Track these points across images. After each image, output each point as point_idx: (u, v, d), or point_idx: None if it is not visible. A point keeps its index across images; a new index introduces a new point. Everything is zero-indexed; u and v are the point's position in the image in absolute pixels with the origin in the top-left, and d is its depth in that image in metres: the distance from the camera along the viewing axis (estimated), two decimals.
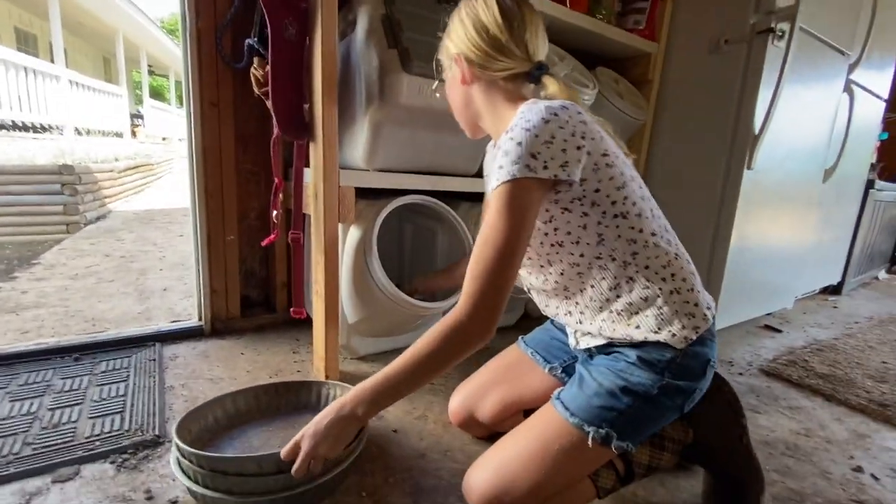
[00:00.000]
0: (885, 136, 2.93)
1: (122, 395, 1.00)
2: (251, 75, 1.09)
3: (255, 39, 1.11)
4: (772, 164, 1.52)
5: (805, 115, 1.61)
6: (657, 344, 0.67)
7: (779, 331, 1.81)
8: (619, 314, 0.69)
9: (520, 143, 0.60)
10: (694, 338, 0.66)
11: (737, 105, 1.43)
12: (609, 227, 0.66)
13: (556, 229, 0.68)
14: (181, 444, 0.69)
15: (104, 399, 0.98)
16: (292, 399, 0.96)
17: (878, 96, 2.19)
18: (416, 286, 1.18)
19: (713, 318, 0.69)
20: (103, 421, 0.91)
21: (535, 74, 0.72)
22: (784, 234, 1.75)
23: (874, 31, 1.90)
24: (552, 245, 0.69)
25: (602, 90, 1.41)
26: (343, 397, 0.67)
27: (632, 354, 0.68)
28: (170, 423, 0.92)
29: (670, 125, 1.62)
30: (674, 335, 0.66)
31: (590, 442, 0.64)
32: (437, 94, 0.85)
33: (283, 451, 0.65)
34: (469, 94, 0.77)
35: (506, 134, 0.63)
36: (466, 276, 0.62)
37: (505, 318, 1.60)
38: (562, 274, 0.71)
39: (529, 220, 0.62)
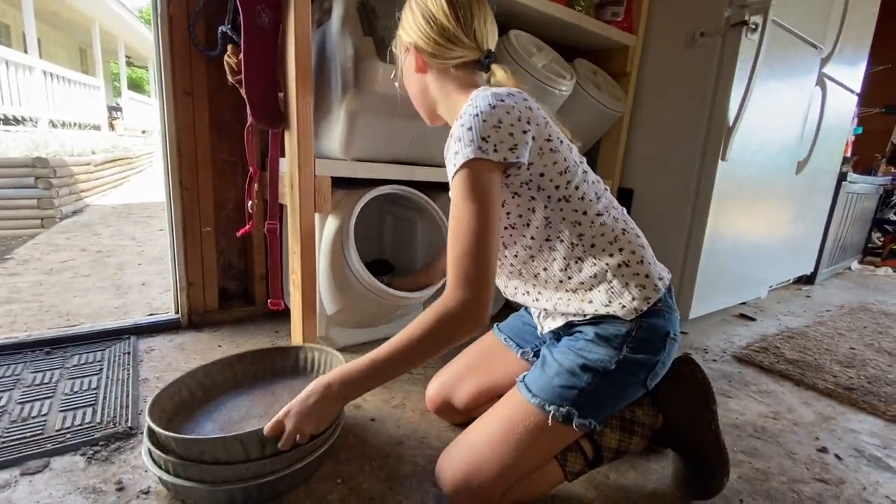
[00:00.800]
0: (860, 130, 3.02)
1: (95, 389, 0.99)
2: (224, 63, 1.07)
3: (229, 27, 1.09)
4: (745, 156, 1.55)
5: (778, 108, 1.64)
6: (611, 318, 0.69)
7: (753, 319, 1.85)
8: (573, 292, 0.71)
9: (470, 129, 0.62)
10: (644, 308, 0.68)
11: (711, 97, 1.46)
12: (554, 211, 0.69)
13: (507, 213, 0.70)
14: (157, 429, 0.68)
15: (76, 392, 0.97)
16: (268, 365, 0.96)
17: (850, 90, 2.24)
18: (396, 286, 1.18)
19: (665, 288, 0.71)
20: (74, 414, 0.89)
21: (484, 63, 0.74)
22: (758, 225, 1.79)
23: (846, 25, 1.94)
24: (505, 228, 0.72)
25: (580, 81, 1.42)
26: (329, 376, 0.67)
27: (590, 332, 0.70)
28: (143, 415, 0.91)
29: (648, 117, 1.64)
30: (623, 307, 0.68)
31: (549, 420, 0.66)
32: (396, 84, 0.86)
33: (267, 428, 0.66)
34: (423, 83, 0.79)
35: (457, 121, 0.66)
36: (448, 263, 0.63)
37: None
38: (516, 256, 0.74)
39: (494, 199, 0.63)
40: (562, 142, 0.70)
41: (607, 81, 1.58)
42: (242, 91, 1.02)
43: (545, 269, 0.73)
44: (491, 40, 0.76)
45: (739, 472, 0.88)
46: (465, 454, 0.69)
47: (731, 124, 1.43)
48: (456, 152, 0.63)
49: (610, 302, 0.69)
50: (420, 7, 0.74)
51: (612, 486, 0.81)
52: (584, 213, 0.70)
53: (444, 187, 1.40)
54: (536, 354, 0.85)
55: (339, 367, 0.68)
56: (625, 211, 0.77)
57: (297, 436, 0.66)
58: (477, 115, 0.63)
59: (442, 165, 1.28)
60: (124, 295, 1.71)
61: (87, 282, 1.88)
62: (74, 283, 1.85)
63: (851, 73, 2.20)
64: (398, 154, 1.20)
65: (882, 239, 3.40)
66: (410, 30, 0.75)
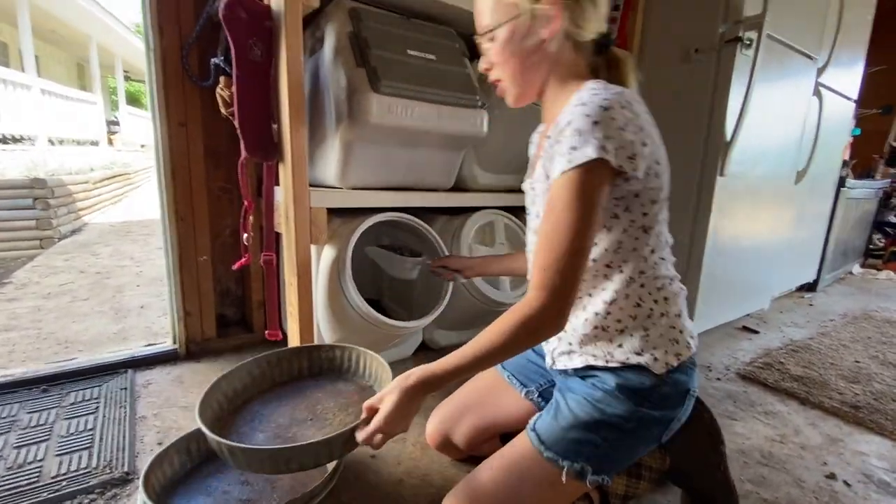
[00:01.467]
0: (858, 131, 3.00)
1: (91, 429, 0.97)
2: (217, 95, 1.07)
3: (222, 58, 1.09)
4: (744, 169, 1.54)
5: (775, 119, 1.64)
6: (637, 368, 0.66)
7: (756, 332, 1.84)
8: (604, 330, 0.67)
9: (597, 123, 0.55)
10: (675, 364, 0.65)
11: (708, 112, 1.45)
12: (629, 238, 0.64)
13: None
14: (246, 446, 0.64)
15: (72, 434, 0.96)
16: (286, 368, 0.92)
17: (846, 97, 2.23)
18: (452, 265, 1.09)
19: (696, 347, 0.69)
20: (70, 458, 0.88)
21: (605, 42, 0.67)
22: (759, 235, 1.78)
23: (841, 33, 1.94)
24: None
25: None
26: (408, 377, 0.62)
27: (611, 381, 0.66)
28: (140, 458, 0.90)
29: None
30: (655, 359, 0.65)
31: (564, 477, 0.63)
32: (481, 65, 0.73)
33: (363, 435, 0.61)
34: (545, 54, 0.66)
35: (580, 107, 0.57)
36: (534, 266, 0.59)
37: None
38: None
39: (600, 206, 0.58)
40: (666, 169, 0.65)
41: None
42: (236, 123, 1.02)
43: (590, 296, 0.68)
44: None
45: (748, 503, 0.86)
46: (470, 501, 0.66)
47: (728, 139, 1.42)
48: (573, 147, 0.56)
49: (642, 351, 0.65)
50: None
51: None
52: (653, 251, 0.65)
53: (441, 211, 1.39)
54: (541, 395, 0.83)
55: (423, 366, 0.63)
56: (674, 262, 0.73)
57: (378, 435, 0.61)
58: (607, 108, 0.56)
59: (438, 190, 1.28)
60: (123, 319, 1.70)
61: (86, 306, 1.87)
62: (73, 308, 1.84)
63: (848, 80, 2.20)
64: (394, 180, 1.19)
65: (883, 241, 3.39)
66: None
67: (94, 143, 6.69)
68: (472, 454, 0.91)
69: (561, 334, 0.72)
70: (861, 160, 3.44)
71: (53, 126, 5.46)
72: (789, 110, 1.71)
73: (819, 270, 2.48)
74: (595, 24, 0.65)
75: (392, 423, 0.60)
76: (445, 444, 0.90)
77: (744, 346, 1.68)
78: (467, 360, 0.60)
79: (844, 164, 2.65)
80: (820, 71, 1.85)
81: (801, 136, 1.82)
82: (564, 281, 0.57)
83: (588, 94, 0.59)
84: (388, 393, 0.61)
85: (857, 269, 3.11)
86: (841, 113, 2.26)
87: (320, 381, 0.90)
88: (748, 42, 1.37)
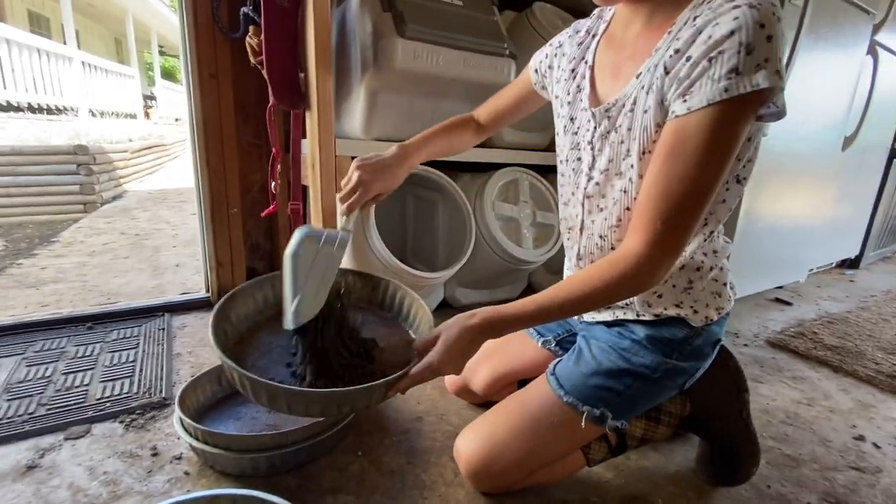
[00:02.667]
0: None
1: (132, 361, 1.04)
2: (246, 44, 1.08)
3: (251, 8, 1.10)
4: (787, 130, 1.46)
5: (824, 78, 1.54)
6: (672, 320, 0.63)
7: (789, 304, 1.77)
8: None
9: (770, 38, 0.44)
10: (715, 318, 0.64)
11: None
12: (723, 189, 0.58)
13: None
14: (293, 389, 0.57)
15: (115, 364, 1.02)
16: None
17: None
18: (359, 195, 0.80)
19: (734, 298, 0.67)
20: (113, 384, 0.95)
21: None
22: (799, 204, 1.69)
23: None
24: None
25: None
26: (482, 315, 0.57)
27: (640, 331, 0.65)
28: (176, 387, 0.96)
29: None
30: (696, 312, 0.63)
31: (583, 423, 0.63)
32: None
33: (415, 372, 0.57)
34: None
35: (749, 10, 0.44)
36: (644, 210, 0.51)
37: (508, 289, 1.60)
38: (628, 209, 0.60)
39: (736, 152, 0.49)
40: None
41: None
42: (264, 72, 1.03)
43: None
44: None
45: (768, 458, 0.85)
46: (486, 440, 0.67)
47: None
48: (737, 70, 0.44)
49: (681, 303, 0.63)
50: None
51: (632, 467, 0.80)
52: (728, 203, 0.59)
53: (463, 167, 1.38)
54: (558, 343, 0.82)
55: (490, 307, 0.58)
56: None
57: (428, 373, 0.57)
58: (762, 22, 0.43)
59: None
60: (160, 276, 1.79)
61: (127, 263, 1.97)
62: (115, 265, 1.94)
63: None
64: (418, 133, 1.18)
65: None
66: None
67: (132, 116, 6.92)
68: (489, 400, 0.92)
69: None
70: None
71: (94, 98, 5.66)
72: (840, 68, 1.60)
73: (863, 247, 2.35)
74: None
75: (446, 362, 0.55)
76: (464, 390, 0.92)
77: (775, 317, 1.63)
78: (546, 305, 0.54)
79: None
80: (876, 28, 1.71)
81: (852, 98, 1.71)
82: (678, 235, 0.50)
83: (737, 6, 0.45)
84: (447, 328, 0.57)
85: None
86: None
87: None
88: None
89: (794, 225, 1.71)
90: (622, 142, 0.58)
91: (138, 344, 1.12)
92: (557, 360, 0.72)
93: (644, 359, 0.64)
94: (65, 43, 5.38)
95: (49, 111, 4.78)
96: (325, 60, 0.97)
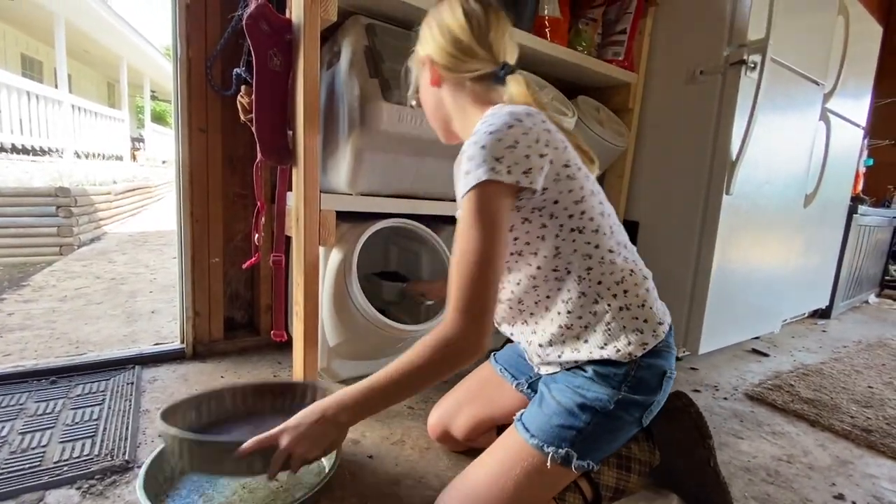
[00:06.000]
0: (871, 162, 3.00)
1: (96, 419, 0.99)
2: (238, 102, 1.12)
3: (243, 69, 1.15)
4: (751, 190, 1.55)
5: (783, 142, 1.65)
6: (606, 360, 0.67)
7: (766, 354, 1.80)
8: (568, 328, 0.69)
9: (483, 147, 0.60)
10: (639, 354, 0.66)
11: (714, 132, 1.47)
12: (566, 241, 0.67)
13: (515, 238, 0.68)
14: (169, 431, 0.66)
15: (77, 423, 0.97)
16: (268, 401, 0.93)
17: (855, 124, 2.24)
18: (419, 289, 1.20)
19: (665, 333, 0.70)
20: (73, 445, 0.90)
21: (500, 75, 0.72)
22: (768, 257, 1.77)
23: (847, 61, 1.97)
24: (511, 254, 0.70)
25: (582, 118, 1.45)
26: (325, 401, 0.64)
27: (588, 369, 0.68)
28: (140, 448, 0.91)
29: (651, 151, 1.66)
30: (618, 350, 0.66)
31: (549, 463, 0.64)
32: (413, 104, 0.87)
33: (254, 440, 0.62)
34: (439, 97, 0.78)
35: (471, 138, 0.63)
36: (450, 288, 0.61)
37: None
38: (518, 283, 0.72)
39: (502, 224, 0.61)
40: (579, 168, 0.68)
41: (610, 117, 1.61)
42: (254, 129, 1.07)
43: (548, 298, 0.70)
44: (509, 53, 0.75)
45: None
46: (462, 496, 0.67)
47: (734, 159, 1.44)
48: (467, 172, 0.61)
49: (605, 344, 0.67)
50: (436, 20, 0.74)
51: None
52: (597, 246, 0.67)
53: (447, 220, 1.42)
54: (531, 386, 0.84)
55: (335, 393, 0.65)
56: (635, 250, 0.75)
57: (288, 457, 0.62)
58: (492, 132, 0.60)
59: (445, 199, 1.31)
60: (134, 323, 1.74)
61: (99, 309, 1.91)
62: (87, 311, 1.88)
63: (856, 108, 2.21)
64: (403, 188, 1.22)
65: None
66: (426, 43, 0.75)
67: (119, 158, 6.93)
68: (470, 446, 0.93)
69: (533, 342, 0.74)
70: (875, 190, 3.41)
71: (81, 140, 5.68)
72: (796, 133, 1.73)
73: (832, 297, 2.44)
74: (475, 64, 0.72)
75: (302, 444, 0.61)
76: (445, 437, 0.93)
77: (752, 368, 1.65)
78: (381, 386, 0.61)
79: (861, 199, 2.63)
80: (827, 96, 1.87)
81: (810, 159, 1.83)
82: (478, 300, 0.59)
83: (480, 124, 0.64)
84: (303, 417, 0.63)
85: (872, 298, 3.04)
86: (849, 139, 2.27)
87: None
88: (752, 65, 1.40)
89: (766, 278, 1.77)
90: None
91: (104, 400, 1.07)
92: (525, 408, 0.74)
93: (597, 392, 0.66)
94: (56, 86, 5.45)
95: (34, 152, 4.76)
96: (312, 121, 1.01)
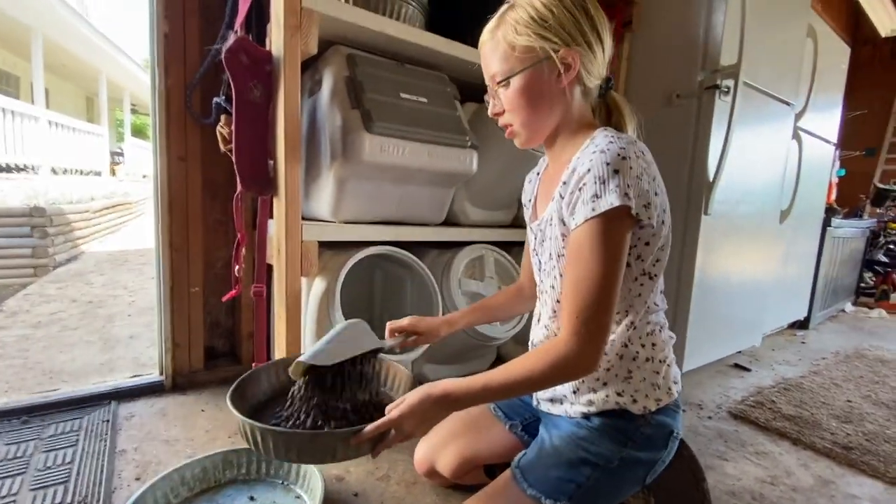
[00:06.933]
0: (843, 172, 3.10)
1: (69, 463, 0.95)
2: (217, 133, 1.11)
3: (223, 98, 1.14)
4: (728, 208, 1.59)
5: (757, 160, 1.70)
6: (617, 410, 0.67)
7: (748, 369, 1.83)
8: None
9: (617, 171, 0.57)
10: (653, 409, 0.66)
11: (691, 154, 1.51)
12: (636, 284, 0.65)
13: None
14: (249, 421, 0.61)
15: (49, 467, 0.94)
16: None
17: (826, 140, 2.32)
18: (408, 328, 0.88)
19: (678, 394, 0.70)
20: (45, 493, 0.86)
21: (606, 87, 0.69)
22: (747, 273, 1.80)
23: (817, 81, 2.05)
24: None
25: None
26: (432, 386, 0.62)
27: (595, 420, 0.67)
28: (116, 493, 0.88)
29: None
30: (635, 401, 0.66)
31: None
32: (490, 108, 0.72)
33: (374, 426, 0.59)
34: (564, 100, 0.67)
35: (599, 154, 0.58)
36: (565, 311, 0.60)
37: (477, 363, 1.59)
38: None
39: (624, 252, 0.59)
40: (670, 217, 0.67)
41: None
42: (234, 159, 1.05)
43: None
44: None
45: None
46: None
47: (711, 179, 1.47)
48: (596, 195, 0.57)
49: (622, 393, 0.66)
50: (581, 10, 0.63)
51: None
52: (651, 293, 0.67)
53: (430, 245, 1.42)
54: (525, 428, 0.83)
55: (450, 379, 0.62)
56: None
57: (391, 432, 0.60)
58: (625, 157, 0.57)
59: (428, 224, 1.31)
60: (111, 350, 1.69)
61: (75, 335, 1.86)
62: (62, 337, 1.83)
63: (826, 125, 2.29)
64: (386, 215, 1.22)
65: (874, 280, 3.42)
66: (573, 32, 0.63)
67: (97, 173, 6.79)
68: (456, 483, 0.91)
69: None
70: (848, 199, 3.53)
71: (58, 156, 5.56)
72: (770, 152, 1.78)
73: (810, 308, 2.49)
74: (602, 68, 0.67)
75: (409, 422, 0.59)
76: (432, 472, 0.91)
77: (735, 384, 1.67)
78: (494, 385, 0.60)
79: (835, 210, 2.71)
80: (798, 116, 1.93)
81: (783, 176, 1.88)
82: (597, 326, 0.58)
83: (604, 141, 0.60)
84: (411, 394, 0.61)
85: (849, 307, 3.12)
86: (821, 155, 2.34)
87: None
88: (726, 89, 1.44)
89: (747, 292, 1.81)
90: (547, 248, 0.71)
91: (77, 440, 1.04)
92: (523, 452, 0.72)
93: (601, 447, 0.65)
94: (33, 102, 5.34)
95: (7, 170, 4.64)
96: (293, 151, 1.00)
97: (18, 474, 0.91)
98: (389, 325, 0.86)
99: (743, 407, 1.45)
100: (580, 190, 0.59)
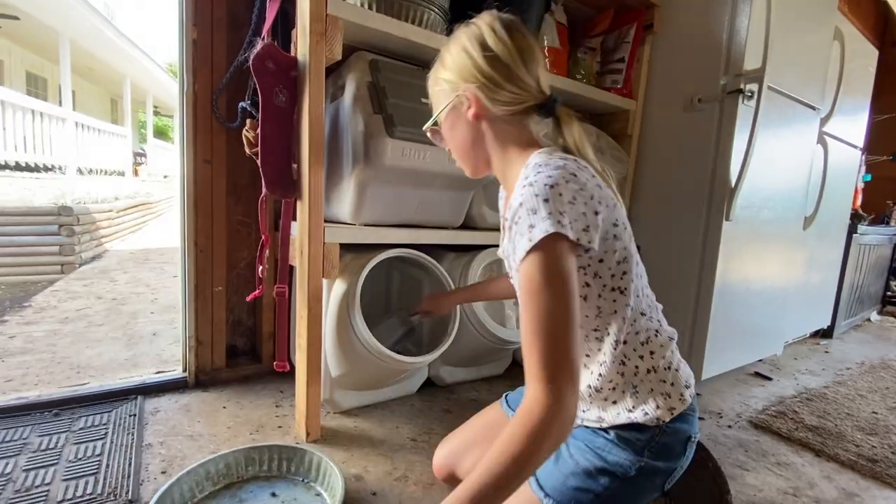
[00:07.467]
0: (869, 177, 3.02)
1: (99, 455, 0.99)
2: (243, 136, 1.14)
3: (249, 103, 1.17)
4: (750, 214, 1.56)
5: (780, 166, 1.67)
6: (632, 424, 0.66)
7: (769, 378, 1.80)
8: (597, 391, 0.68)
9: (547, 200, 0.56)
10: (667, 419, 0.65)
11: (713, 159, 1.49)
12: (607, 301, 0.64)
13: None
14: None
15: (80, 459, 0.97)
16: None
17: (852, 145, 2.27)
18: (424, 307, 1.15)
19: (692, 397, 0.68)
20: (77, 483, 0.89)
21: (547, 106, 0.67)
22: (769, 280, 1.77)
23: (844, 84, 2.00)
24: None
25: None
26: None
27: (611, 432, 0.67)
28: (143, 486, 0.91)
29: (651, 177, 1.68)
30: (647, 414, 0.65)
31: None
32: (429, 135, 0.79)
33: None
34: (478, 133, 0.70)
35: (527, 187, 0.58)
36: (528, 359, 0.55)
37: (492, 366, 1.60)
38: None
39: (574, 282, 0.56)
40: (625, 228, 0.65)
41: (609, 144, 1.63)
42: (258, 162, 1.08)
43: (587, 356, 0.68)
44: (548, 84, 0.70)
45: None
46: None
47: (733, 185, 1.45)
48: (531, 226, 0.56)
49: (634, 408, 0.65)
50: (475, 42, 0.66)
51: None
52: (632, 308, 0.65)
53: (450, 248, 1.43)
54: None
55: None
56: (660, 308, 0.72)
57: None
58: (553, 185, 0.57)
59: (447, 228, 1.32)
60: (135, 346, 1.74)
61: (100, 332, 1.91)
62: (88, 333, 1.88)
63: (853, 129, 2.24)
64: (405, 218, 1.23)
65: None
66: (461, 70, 0.67)
67: (121, 174, 6.97)
68: None
69: None
70: (874, 205, 3.43)
71: (84, 157, 5.72)
72: (794, 158, 1.74)
73: (834, 317, 2.43)
74: (521, 95, 0.66)
75: None
76: (451, 478, 0.90)
77: (756, 393, 1.64)
78: (480, 491, 0.51)
79: (861, 217, 2.64)
80: (823, 120, 1.89)
81: (808, 182, 1.84)
82: (564, 365, 0.53)
83: (532, 172, 0.60)
84: None
85: (874, 316, 3.04)
86: (847, 160, 2.29)
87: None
88: (749, 94, 1.42)
89: (768, 300, 1.78)
90: (515, 279, 0.69)
91: (106, 433, 1.07)
92: None
93: (618, 457, 0.65)
94: (60, 104, 5.51)
95: (36, 169, 4.80)
96: (318, 156, 1.03)
97: (51, 465, 0.95)
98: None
99: (764, 416, 1.42)
100: (517, 224, 0.59)
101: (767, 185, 1.61)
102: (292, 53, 1.07)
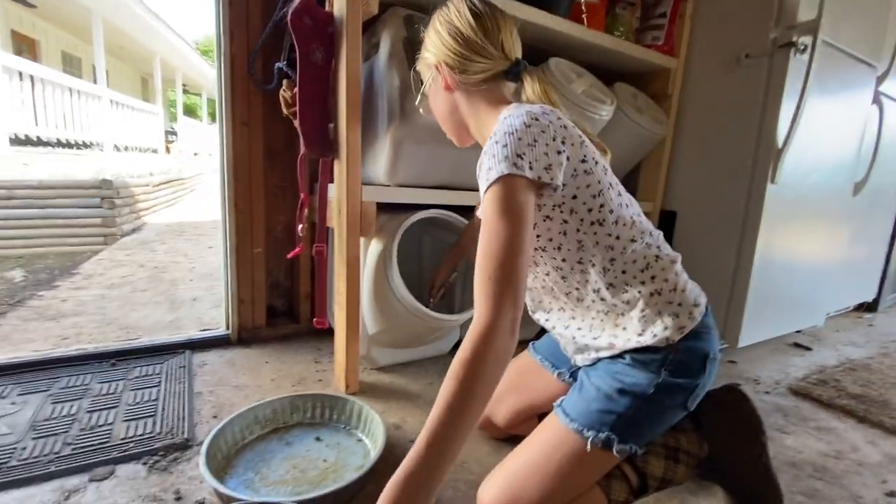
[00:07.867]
0: None
1: (155, 400, 1.05)
2: (280, 97, 1.15)
3: (285, 63, 1.17)
4: (797, 178, 1.49)
5: (832, 128, 1.58)
6: (645, 347, 0.68)
7: (808, 349, 1.75)
8: (605, 315, 0.70)
9: (505, 146, 0.62)
10: (677, 339, 0.66)
11: (759, 119, 1.42)
12: (587, 234, 0.68)
13: (538, 235, 0.69)
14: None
15: (138, 403, 1.03)
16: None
17: None
18: (435, 281, 1.22)
19: (702, 315, 0.69)
20: (136, 424, 0.95)
21: (513, 71, 0.74)
22: (813, 248, 1.70)
23: None
24: (536, 249, 0.71)
25: (620, 105, 1.43)
26: (390, 487, 0.54)
27: (627, 356, 0.69)
28: (198, 427, 0.96)
29: (691, 139, 1.62)
30: (655, 336, 0.66)
31: (588, 446, 0.65)
32: (421, 110, 0.88)
33: None
34: (452, 102, 0.80)
35: (490, 139, 0.65)
36: (477, 284, 0.58)
37: (526, 329, 1.60)
38: (547, 275, 0.73)
39: (527, 216, 0.61)
40: (596, 162, 0.69)
41: (648, 104, 1.57)
42: (296, 123, 1.09)
43: (577, 289, 0.72)
44: (517, 51, 0.76)
45: None
46: (504, 482, 0.68)
47: (780, 146, 1.38)
48: (489, 168, 0.62)
49: (643, 331, 0.67)
50: (445, 24, 0.75)
51: None
52: (618, 237, 0.68)
53: None
54: (572, 374, 0.85)
55: (399, 469, 0.55)
56: (661, 235, 0.74)
57: None
58: (511, 132, 0.62)
59: (478, 190, 1.31)
60: (177, 310, 1.82)
61: (145, 296, 2.00)
62: (133, 298, 1.98)
63: None
64: (439, 179, 1.23)
65: None
66: (436, 48, 0.76)
67: (154, 151, 7.17)
68: (511, 433, 0.95)
69: (571, 327, 0.75)
70: None
71: (119, 134, 5.90)
72: (846, 119, 1.65)
73: (880, 290, 2.33)
74: (488, 63, 0.73)
75: None
76: (487, 424, 0.95)
77: (795, 363, 1.60)
78: (434, 430, 0.53)
79: None
80: (880, 79, 1.77)
81: (860, 146, 1.74)
82: (510, 289, 0.57)
83: (498, 125, 0.66)
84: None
85: None
86: None
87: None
88: (802, 47, 1.34)
89: (810, 269, 1.71)
90: None
91: (160, 382, 1.13)
92: (565, 395, 0.75)
93: (635, 378, 0.67)
94: (95, 82, 5.66)
95: (76, 146, 4.98)
96: (354, 113, 1.03)
97: (112, 408, 1.01)
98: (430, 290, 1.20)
99: (804, 384, 1.39)
100: (480, 170, 0.65)
101: (816, 146, 1.53)
102: (327, 9, 1.07)
